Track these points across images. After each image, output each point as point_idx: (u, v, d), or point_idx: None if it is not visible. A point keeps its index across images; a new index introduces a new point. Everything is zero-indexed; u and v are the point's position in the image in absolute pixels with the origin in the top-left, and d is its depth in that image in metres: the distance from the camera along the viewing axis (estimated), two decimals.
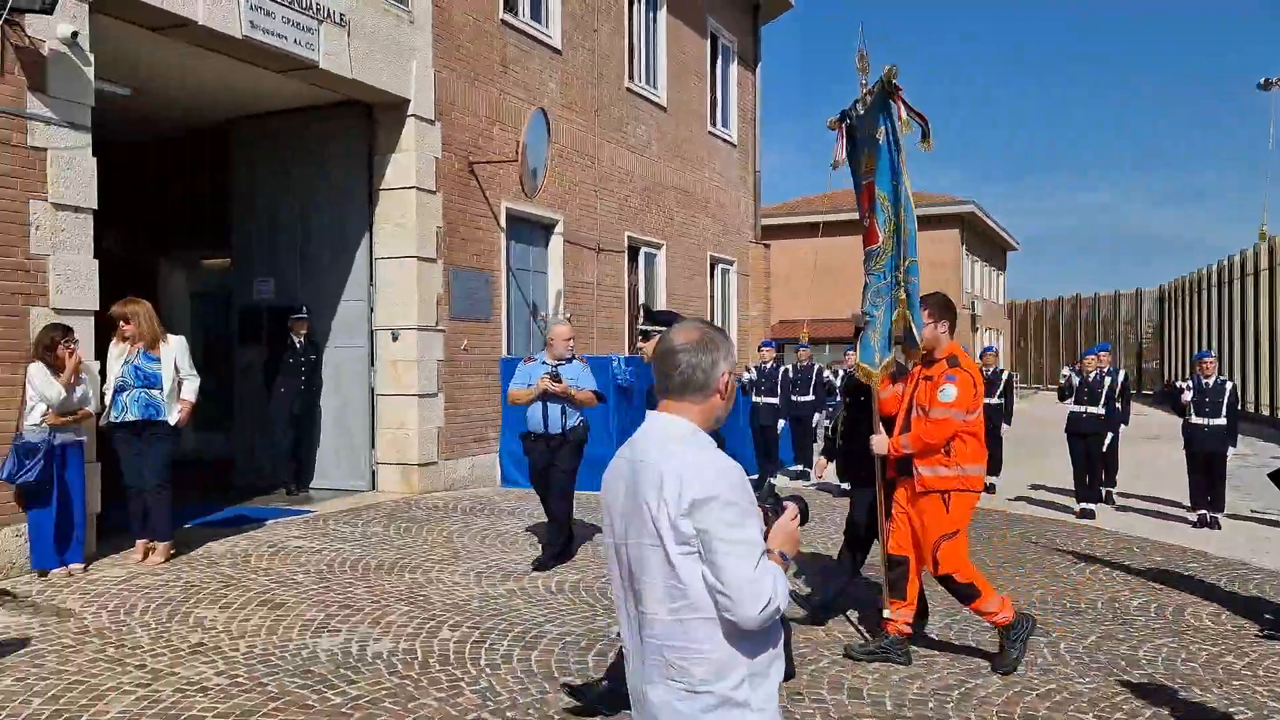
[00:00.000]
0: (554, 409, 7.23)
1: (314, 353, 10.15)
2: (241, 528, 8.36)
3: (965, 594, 5.20)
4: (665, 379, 2.26)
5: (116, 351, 7.10)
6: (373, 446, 10.46)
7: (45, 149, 6.77)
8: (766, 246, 19.20)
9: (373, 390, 10.46)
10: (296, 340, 10.00)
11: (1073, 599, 6.75)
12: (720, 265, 17.64)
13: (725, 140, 17.72)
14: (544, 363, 7.37)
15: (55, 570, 6.58)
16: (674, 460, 2.13)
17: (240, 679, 4.88)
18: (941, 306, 5.33)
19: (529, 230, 12.31)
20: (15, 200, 6.60)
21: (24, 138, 6.63)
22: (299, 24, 8.66)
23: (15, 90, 6.58)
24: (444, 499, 10.03)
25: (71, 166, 6.92)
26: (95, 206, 7.12)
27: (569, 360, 7.37)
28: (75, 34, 6.83)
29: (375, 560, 7.36)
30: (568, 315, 12.23)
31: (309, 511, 9.21)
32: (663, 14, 15.38)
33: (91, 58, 7.04)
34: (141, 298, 7.36)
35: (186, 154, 12.11)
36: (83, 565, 6.72)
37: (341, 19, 9.12)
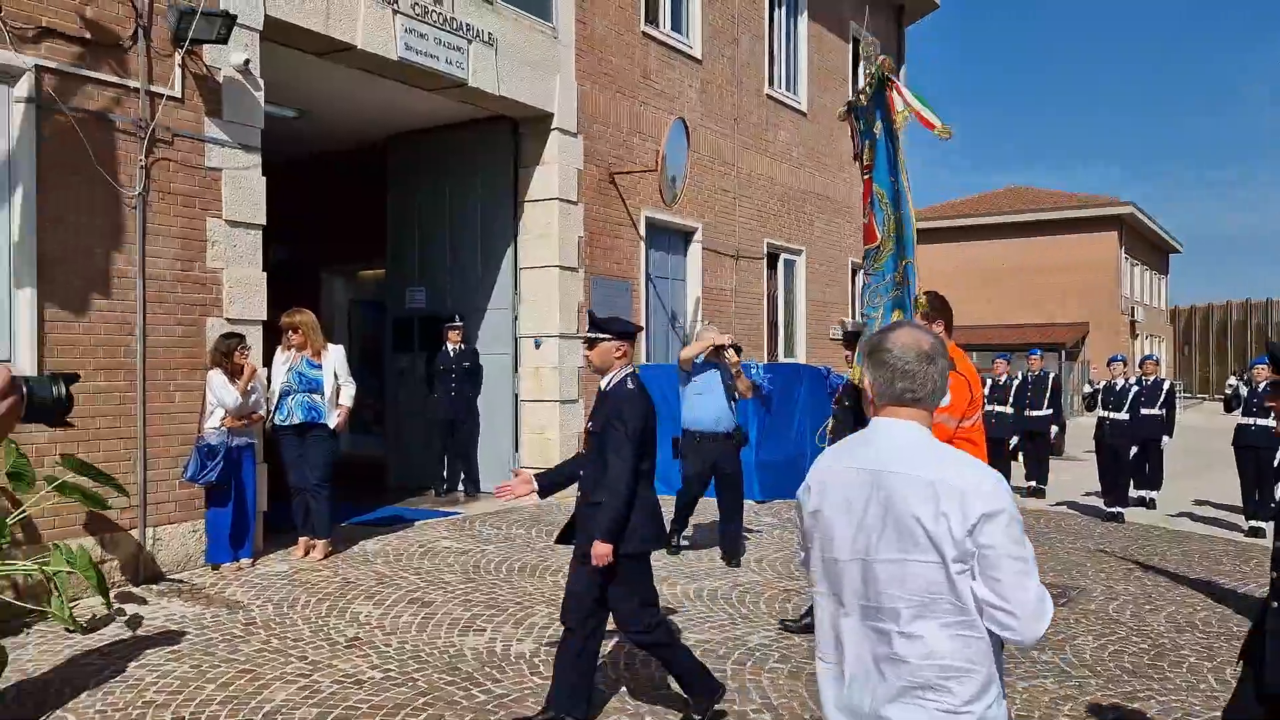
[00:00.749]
0: (724, 410, 7.57)
1: (466, 359, 10.45)
2: (394, 527, 8.74)
3: None
4: (913, 386, 2.13)
5: (282, 358, 7.54)
6: (516, 450, 10.75)
7: (220, 169, 7.26)
8: None
9: (516, 396, 10.76)
10: (450, 347, 10.35)
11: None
12: (862, 271, 17.33)
13: None
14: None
15: (226, 564, 7.04)
16: (946, 471, 2.03)
17: (392, 673, 5.11)
18: (935, 306, 5.09)
19: (668, 238, 12.43)
20: (195, 218, 7.10)
21: (202, 160, 7.13)
22: (450, 44, 9.02)
23: (195, 116, 7.09)
24: None
25: (243, 186, 7.39)
26: (264, 223, 7.59)
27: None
28: (247, 61, 7.31)
29: (519, 562, 7.57)
30: (708, 322, 12.28)
31: (457, 513, 9.54)
32: (803, 19, 15.27)
33: (261, 83, 7.52)
34: (306, 307, 7.80)
35: (346, 170, 12.74)
36: (251, 560, 7.17)
37: (490, 38, 9.44)
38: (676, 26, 12.57)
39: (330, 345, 7.68)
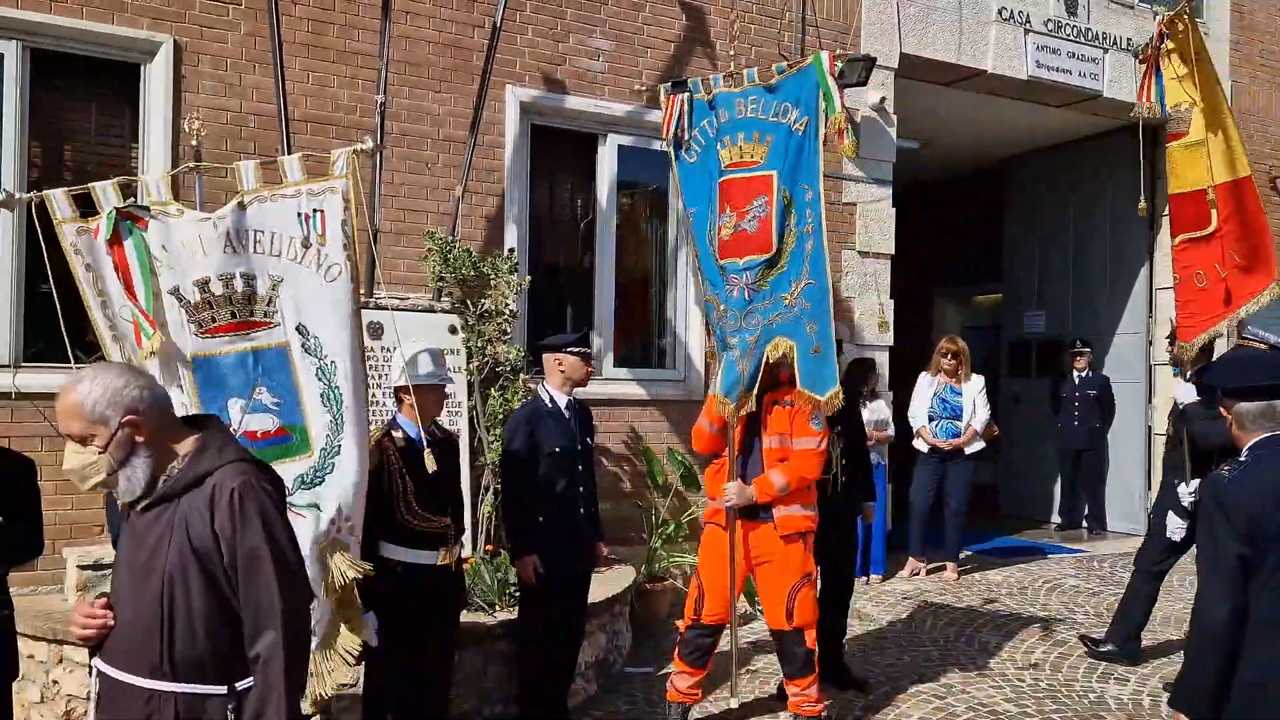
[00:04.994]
0: None
1: (1093, 388, 9.77)
2: (1010, 559, 8.50)
3: (805, 662, 4.39)
4: None
5: (927, 381, 7.77)
6: (1148, 489, 9.81)
7: (855, 204, 7.72)
8: None
9: (1149, 429, 9.83)
10: (1076, 374, 9.79)
11: None
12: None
13: None
14: None
15: (857, 578, 7.41)
16: None
17: (1028, 709, 4.97)
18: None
19: None
20: (831, 250, 7.61)
21: (840, 196, 7.66)
22: (1083, 56, 8.59)
23: (835, 156, 7.57)
24: None
25: (874, 218, 7.79)
26: (892, 252, 7.91)
27: None
28: (883, 99, 7.69)
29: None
30: None
31: (1082, 551, 8.98)
32: None
33: (895, 119, 7.85)
34: (920, 332, 7.97)
35: (960, 194, 12.74)
36: (880, 576, 7.47)
37: (1128, 43, 8.80)
38: None
39: (973, 375, 7.76)
